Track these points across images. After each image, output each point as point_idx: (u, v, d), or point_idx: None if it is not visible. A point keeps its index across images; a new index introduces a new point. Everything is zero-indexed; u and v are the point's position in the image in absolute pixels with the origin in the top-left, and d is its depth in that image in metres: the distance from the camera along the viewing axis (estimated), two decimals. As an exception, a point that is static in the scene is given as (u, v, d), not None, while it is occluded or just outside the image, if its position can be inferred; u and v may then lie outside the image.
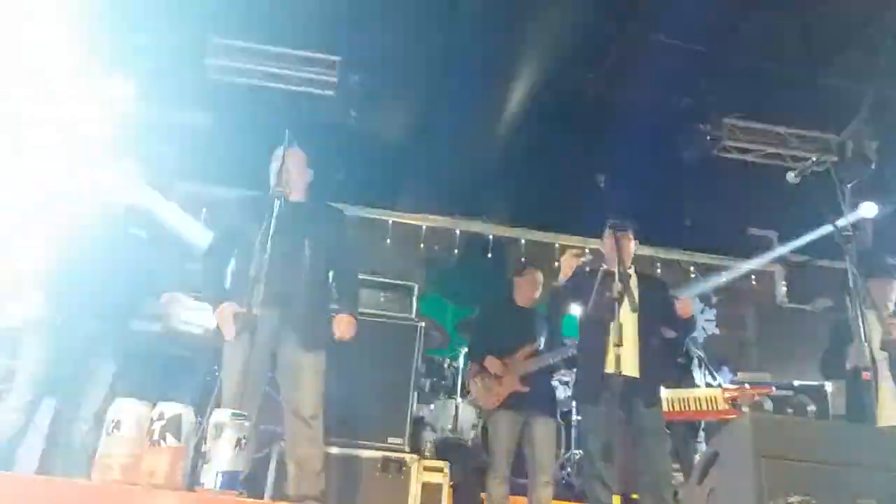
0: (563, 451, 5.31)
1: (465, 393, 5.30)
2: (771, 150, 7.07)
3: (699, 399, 4.18)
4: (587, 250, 3.66)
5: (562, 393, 5.26)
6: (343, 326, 3.26)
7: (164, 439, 1.95)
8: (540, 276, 4.38)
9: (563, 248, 6.38)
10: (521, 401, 4.04)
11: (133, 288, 3.60)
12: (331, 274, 3.43)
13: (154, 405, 2.04)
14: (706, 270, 7.94)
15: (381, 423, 4.08)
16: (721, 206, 7.38)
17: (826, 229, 3.26)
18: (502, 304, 4.45)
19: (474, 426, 5.03)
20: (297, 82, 6.02)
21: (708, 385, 4.70)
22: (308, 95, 6.10)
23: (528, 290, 4.33)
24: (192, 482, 2.04)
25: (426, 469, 4.01)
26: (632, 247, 3.76)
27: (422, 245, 7.84)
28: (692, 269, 7.75)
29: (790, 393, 6.07)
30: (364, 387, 3.58)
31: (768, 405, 4.99)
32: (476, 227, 8.06)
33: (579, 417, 5.30)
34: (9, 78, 4.98)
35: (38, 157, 5.14)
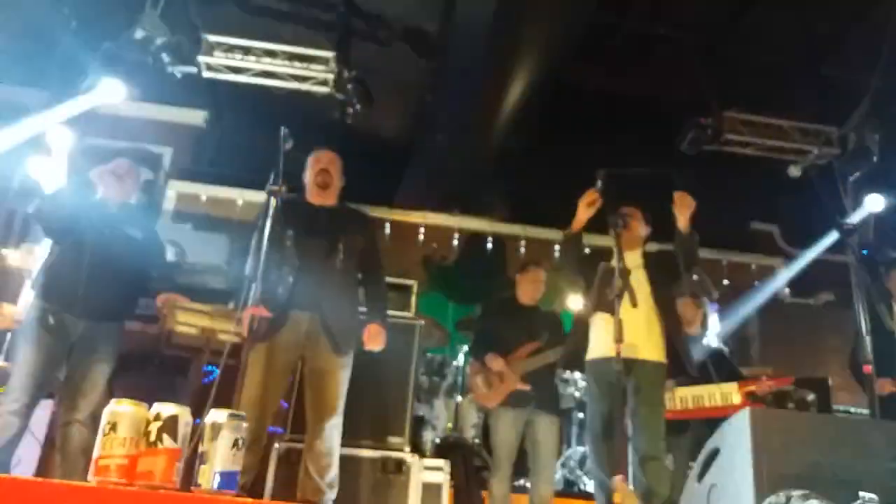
0: (564, 448, 5.30)
1: (466, 392, 5.28)
2: (772, 143, 7.02)
3: (713, 395, 4.00)
4: (597, 187, 3.50)
5: (563, 391, 5.24)
6: (373, 338, 3.26)
7: (161, 440, 1.94)
8: (542, 274, 4.36)
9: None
10: (523, 399, 4.03)
11: (129, 289, 3.57)
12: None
13: (150, 406, 2.02)
14: (707, 265, 7.90)
15: (381, 423, 4.03)
16: (722, 199, 7.33)
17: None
18: (505, 302, 4.44)
19: (475, 425, 5.02)
20: (293, 80, 5.98)
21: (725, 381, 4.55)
22: (304, 93, 6.07)
23: (531, 288, 4.31)
24: (190, 483, 2.02)
25: (426, 468, 3.98)
26: (640, 230, 3.72)
27: (421, 243, 7.81)
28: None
29: (791, 387, 6.04)
30: (363, 386, 3.55)
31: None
32: (475, 224, 8.03)
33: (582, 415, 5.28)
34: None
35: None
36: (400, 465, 3.91)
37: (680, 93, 6.79)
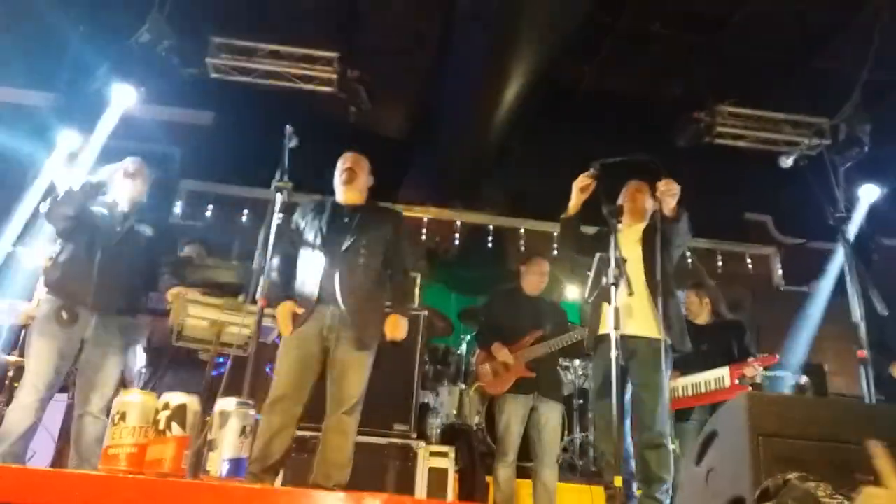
0: (566, 434, 5.40)
1: (469, 380, 5.40)
2: (765, 135, 7.13)
3: (708, 381, 4.08)
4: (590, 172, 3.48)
5: (566, 378, 5.35)
6: (395, 327, 3.31)
7: (170, 429, 1.98)
8: (546, 266, 4.48)
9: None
10: (527, 386, 4.15)
11: (140, 283, 3.64)
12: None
13: (159, 396, 2.06)
14: (702, 254, 7.99)
15: (388, 411, 4.16)
16: (717, 191, 7.42)
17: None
18: (510, 292, 4.55)
19: (478, 412, 5.12)
20: (298, 80, 6.09)
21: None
22: (309, 93, 6.17)
23: (536, 279, 4.42)
24: (199, 470, 2.07)
25: (432, 454, 4.12)
26: (646, 203, 3.70)
27: (423, 236, 7.92)
28: (688, 254, 7.81)
29: (788, 373, 6.16)
30: (371, 375, 3.66)
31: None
32: (476, 218, 8.12)
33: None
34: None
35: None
36: (407, 452, 4.07)
37: (674, 88, 6.89)
